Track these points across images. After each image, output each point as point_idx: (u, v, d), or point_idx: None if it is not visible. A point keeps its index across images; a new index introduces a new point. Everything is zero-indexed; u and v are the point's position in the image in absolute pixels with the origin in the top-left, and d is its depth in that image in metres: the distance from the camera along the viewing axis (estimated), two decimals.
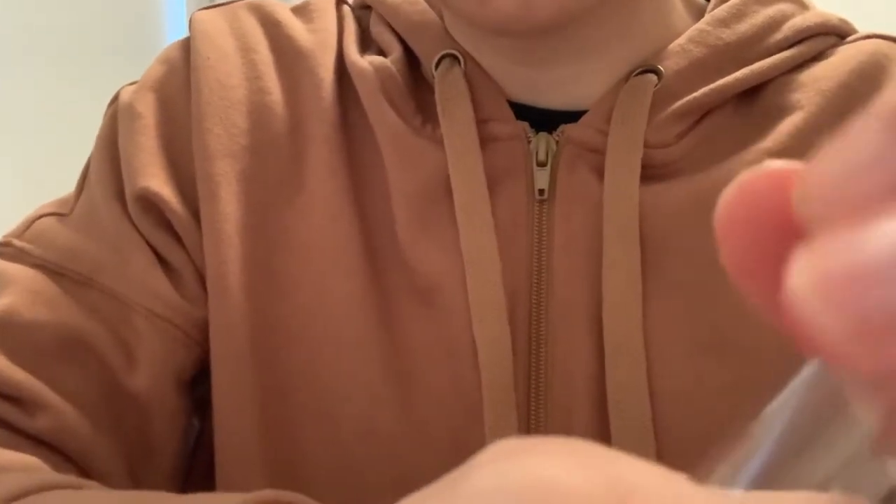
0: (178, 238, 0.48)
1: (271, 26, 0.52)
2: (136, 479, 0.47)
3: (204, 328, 0.48)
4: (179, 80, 0.50)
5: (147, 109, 0.50)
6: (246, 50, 0.50)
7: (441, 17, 0.49)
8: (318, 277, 0.47)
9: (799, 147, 0.46)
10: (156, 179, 0.48)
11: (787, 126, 0.46)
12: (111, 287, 0.47)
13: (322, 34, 0.51)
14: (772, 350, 0.44)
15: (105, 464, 0.46)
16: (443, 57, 0.47)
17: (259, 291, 0.47)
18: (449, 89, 0.47)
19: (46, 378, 0.45)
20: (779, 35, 0.48)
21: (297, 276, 0.47)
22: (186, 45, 0.51)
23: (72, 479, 0.40)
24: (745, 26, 0.48)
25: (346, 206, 0.47)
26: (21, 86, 1.59)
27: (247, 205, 0.48)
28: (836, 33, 0.49)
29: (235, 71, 0.50)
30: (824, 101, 0.46)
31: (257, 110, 0.49)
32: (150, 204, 0.48)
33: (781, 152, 0.46)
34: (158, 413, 0.48)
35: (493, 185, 0.46)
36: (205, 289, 0.48)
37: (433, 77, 0.48)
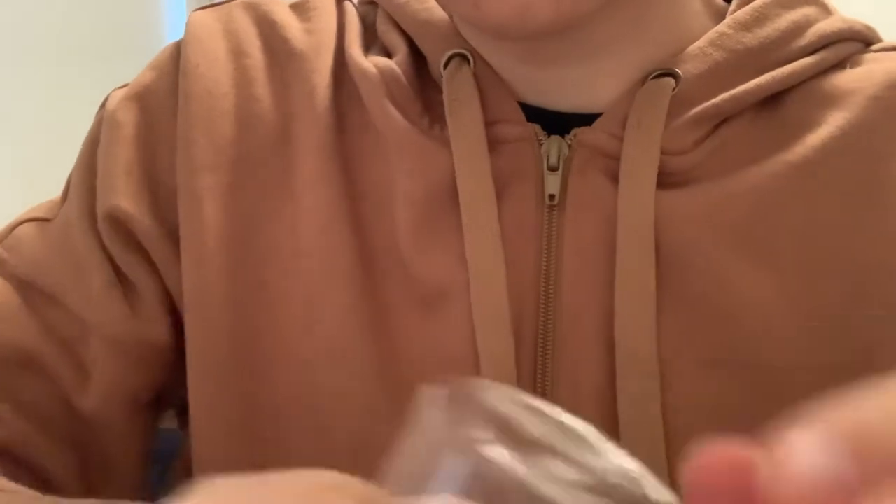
0: (147, 257, 0.47)
1: (266, 26, 0.50)
2: (95, 492, 0.48)
3: (161, 352, 0.48)
4: (166, 88, 0.49)
5: (129, 119, 0.49)
6: (238, 54, 0.49)
7: (451, 16, 0.48)
8: (307, 288, 0.45)
9: (825, 162, 0.44)
10: (128, 197, 0.47)
11: (812, 140, 0.44)
12: (72, 306, 0.47)
13: (319, 35, 0.50)
14: (786, 367, 0.42)
15: (62, 475, 0.46)
16: (452, 57, 0.46)
17: (244, 304, 0.46)
18: (457, 90, 0.45)
19: (2, 390, 0.45)
20: (802, 41, 0.46)
21: (284, 288, 0.45)
22: (177, 51, 0.50)
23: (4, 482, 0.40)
24: (767, 30, 0.46)
25: (340, 214, 0.45)
26: (19, 86, 1.59)
27: (232, 217, 0.46)
28: (861, 40, 0.48)
29: (225, 78, 0.48)
30: (853, 116, 0.45)
31: (246, 120, 0.48)
32: (119, 222, 0.47)
33: (805, 165, 0.44)
34: (111, 432, 0.48)
35: (501, 189, 0.44)
36: (169, 310, 0.48)
37: (441, 77, 0.46)
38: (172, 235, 0.47)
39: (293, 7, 0.52)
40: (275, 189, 0.47)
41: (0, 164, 1.55)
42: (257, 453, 0.45)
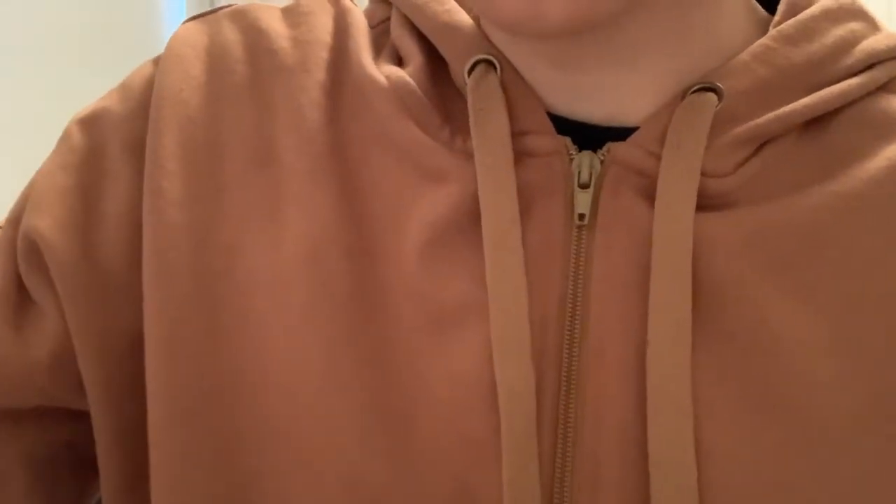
0: (53, 287, 0.45)
1: (254, 36, 0.46)
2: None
3: (39, 377, 0.46)
4: (129, 115, 0.46)
5: (79, 144, 0.46)
6: (221, 73, 0.45)
7: (477, 18, 0.44)
8: (290, 318, 0.42)
9: (874, 196, 0.41)
10: (53, 223, 0.45)
11: (861, 171, 0.42)
12: None
13: (309, 46, 0.46)
14: (826, 410, 0.39)
15: None
16: (477, 62, 0.42)
17: (219, 341, 0.42)
18: (483, 98, 0.42)
19: None
20: (850, 59, 0.43)
21: (268, 318, 0.42)
22: (153, 73, 0.47)
23: None
24: (815, 46, 0.43)
25: (333, 239, 0.42)
26: (18, 86, 1.58)
27: (210, 251, 0.43)
28: None
29: (207, 102, 0.45)
30: None
31: (227, 146, 0.44)
32: (34, 245, 0.45)
33: (852, 198, 0.41)
34: None
35: (526, 206, 0.41)
36: (64, 341, 0.45)
37: (464, 83, 0.43)
38: (102, 272, 0.45)
39: (284, 12, 0.48)
40: (258, 216, 0.43)
41: None
42: (237, 494, 0.42)
